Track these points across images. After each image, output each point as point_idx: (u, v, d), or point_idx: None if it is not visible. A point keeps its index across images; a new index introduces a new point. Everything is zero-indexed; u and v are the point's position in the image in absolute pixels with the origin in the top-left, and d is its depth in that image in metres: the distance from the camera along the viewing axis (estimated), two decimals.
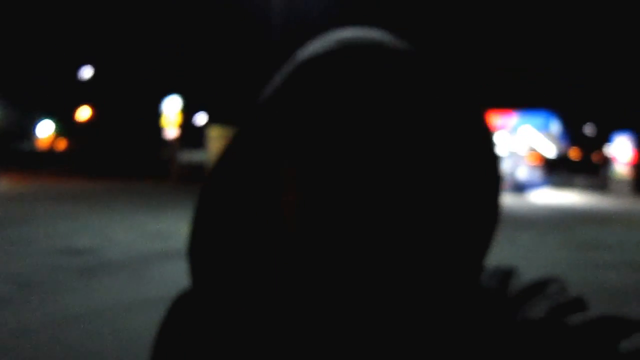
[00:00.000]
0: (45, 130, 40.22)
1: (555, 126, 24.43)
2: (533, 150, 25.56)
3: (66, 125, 40.99)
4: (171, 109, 24.26)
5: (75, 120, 40.50)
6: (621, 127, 36.55)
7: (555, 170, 31.94)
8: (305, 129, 0.40)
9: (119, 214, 11.57)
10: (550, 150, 27.95)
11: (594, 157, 47.09)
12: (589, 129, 46.77)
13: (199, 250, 0.45)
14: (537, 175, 26.68)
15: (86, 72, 33.32)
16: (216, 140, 24.42)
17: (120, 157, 33.35)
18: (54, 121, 40.54)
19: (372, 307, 0.40)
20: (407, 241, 0.39)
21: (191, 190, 19.12)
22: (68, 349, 3.64)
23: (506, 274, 0.45)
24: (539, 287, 0.43)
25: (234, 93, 35.00)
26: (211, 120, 38.27)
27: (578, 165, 43.90)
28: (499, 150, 0.44)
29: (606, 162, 31.60)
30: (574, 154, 56.00)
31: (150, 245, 7.60)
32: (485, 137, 0.43)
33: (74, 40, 33.18)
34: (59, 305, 4.59)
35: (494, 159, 0.44)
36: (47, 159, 32.41)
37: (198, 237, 0.46)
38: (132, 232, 8.82)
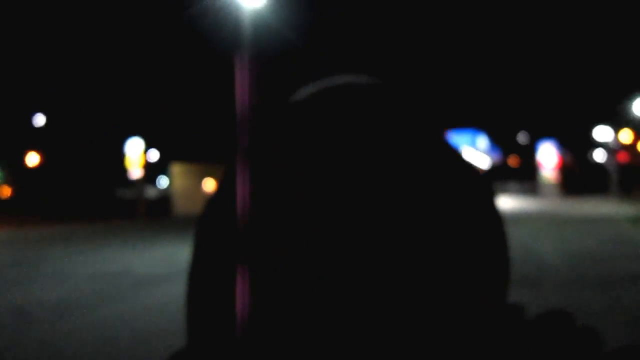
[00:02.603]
0: None
1: (482, 141, 28.39)
2: None
3: (11, 172, 42.21)
4: (134, 150, 26.76)
5: (22, 166, 41.85)
6: (548, 134, 41.33)
7: (492, 179, 36.18)
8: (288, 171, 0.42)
9: (118, 248, 14.14)
10: (484, 162, 31.98)
11: (532, 163, 52.25)
12: (522, 137, 51.80)
13: (197, 309, 0.46)
14: None
15: (39, 119, 35.22)
16: (178, 177, 27.03)
17: (76, 199, 35.14)
18: None
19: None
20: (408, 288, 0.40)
21: (162, 224, 21.66)
22: (156, 324, 6.50)
23: (514, 310, 0.46)
24: (549, 320, 0.45)
25: (185, 130, 37.55)
26: (163, 157, 40.55)
27: (516, 172, 48.67)
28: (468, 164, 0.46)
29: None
30: (513, 161, 61.38)
31: (167, 267, 10.36)
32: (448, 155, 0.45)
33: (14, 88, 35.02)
34: (136, 302, 7.37)
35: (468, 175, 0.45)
36: None
37: (196, 296, 0.46)
38: (143, 259, 11.52)
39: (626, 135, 34.68)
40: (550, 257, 9.16)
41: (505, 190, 36.00)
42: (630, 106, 26.85)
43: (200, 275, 0.45)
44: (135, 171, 26.95)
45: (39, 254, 13.42)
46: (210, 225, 0.45)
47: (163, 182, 51.71)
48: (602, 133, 35.42)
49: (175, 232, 18.60)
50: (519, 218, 18.09)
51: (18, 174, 42.05)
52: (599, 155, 38.39)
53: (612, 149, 34.80)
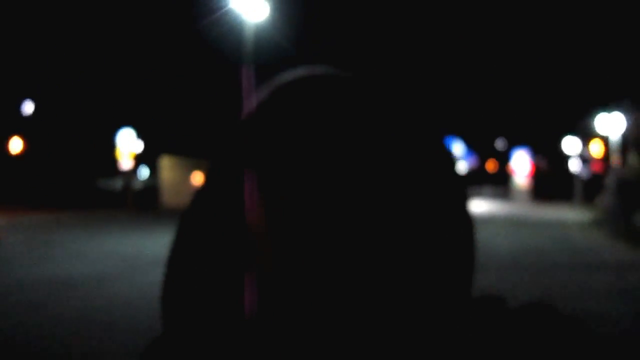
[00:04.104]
0: None
1: (458, 147, 30.63)
2: None
3: None
4: (125, 141, 28.38)
5: (5, 153, 42.90)
6: (526, 141, 43.84)
7: (467, 181, 38.57)
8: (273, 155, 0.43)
9: (120, 234, 15.86)
10: (460, 167, 34.42)
11: (508, 169, 54.94)
12: (500, 144, 54.35)
13: (173, 295, 0.48)
14: None
15: (27, 107, 36.44)
16: (167, 170, 28.70)
17: (57, 188, 36.42)
18: None
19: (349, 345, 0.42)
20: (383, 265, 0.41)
21: (153, 215, 23.40)
22: None
23: (494, 302, 0.47)
24: (530, 312, 0.46)
25: (173, 123, 39.07)
26: (146, 148, 41.98)
27: (493, 176, 51.17)
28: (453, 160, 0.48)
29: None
30: (491, 166, 64.12)
31: None
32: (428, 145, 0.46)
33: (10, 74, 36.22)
34: (157, 277, 9.23)
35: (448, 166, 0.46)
36: None
37: (173, 281, 0.48)
38: (148, 244, 13.30)
39: (597, 147, 37.21)
40: (499, 250, 11.25)
41: (479, 194, 38.32)
42: (594, 120, 29.24)
43: (180, 266, 0.48)
44: (125, 162, 28.55)
45: (50, 237, 15.07)
46: (195, 218, 0.48)
47: (144, 173, 53.00)
48: (570, 144, 37.96)
49: (169, 223, 20.27)
50: (485, 219, 20.23)
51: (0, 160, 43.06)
52: (574, 164, 40.88)
53: (587, 159, 37.26)
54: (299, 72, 0.49)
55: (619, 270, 9.14)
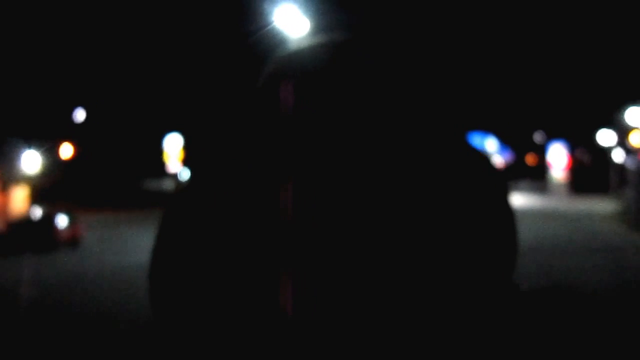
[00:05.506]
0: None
1: (492, 143, 31.82)
2: None
3: (46, 163, 46.23)
4: (172, 145, 30.66)
5: (56, 158, 45.89)
6: (561, 135, 44.18)
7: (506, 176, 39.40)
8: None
9: None
10: (498, 161, 35.50)
11: (547, 162, 55.11)
12: (538, 137, 54.69)
13: (164, 279, 0.47)
14: None
15: (79, 114, 39.14)
16: None
17: (106, 190, 38.95)
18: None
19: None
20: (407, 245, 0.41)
21: None
22: None
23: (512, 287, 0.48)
24: (544, 295, 0.49)
25: (214, 128, 41.17)
26: (190, 151, 44.25)
27: (533, 170, 51.58)
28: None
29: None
30: (530, 159, 64.28)
31: None
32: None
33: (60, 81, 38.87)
34: None
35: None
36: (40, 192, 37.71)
37: (162, 272, 0.48)
38: None
39: (637, 138, 37.46)
40: (523, 238, 12.81)
41: (516, 188, 39.22)
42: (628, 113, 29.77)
43: (166, 256, 0.48)
44: (173, 165, 30.83)
45: (118, 233, 17.22)
46: (178, 210, 0.47)
47: (185, 175, 55.73)
48: (607, 136, 38.35)
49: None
50: (518, 213, 21.58)
51: (52, 165, 46.05)
52: (618, 155, 41.00)
53: (630, 150, 37.52)
54: (304, 41, 0.49)
55: (620, 253, 10.65)
